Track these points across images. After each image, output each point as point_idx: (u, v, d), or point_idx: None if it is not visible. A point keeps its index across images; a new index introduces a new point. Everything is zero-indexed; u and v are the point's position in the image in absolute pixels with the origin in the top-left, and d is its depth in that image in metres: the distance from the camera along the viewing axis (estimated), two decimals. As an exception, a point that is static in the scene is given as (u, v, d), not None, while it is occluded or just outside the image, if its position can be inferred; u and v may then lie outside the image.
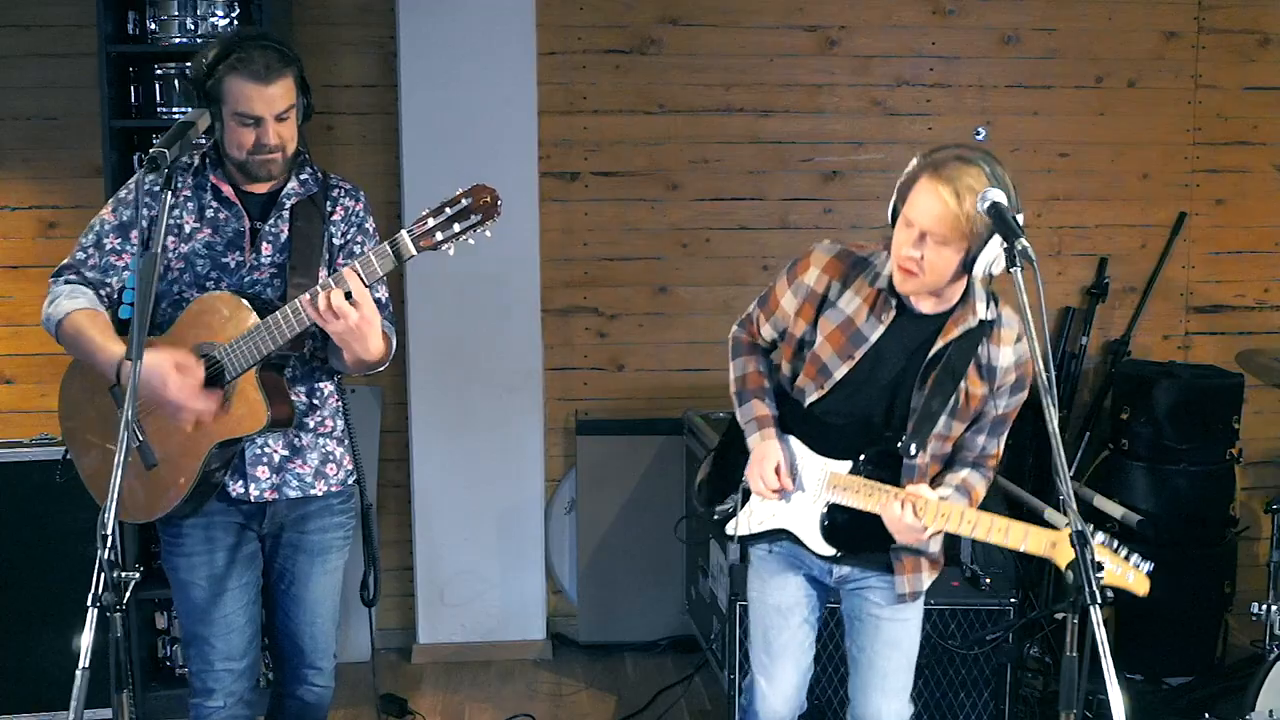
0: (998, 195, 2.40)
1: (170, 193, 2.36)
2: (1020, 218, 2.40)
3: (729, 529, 2.81)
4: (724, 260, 4.65)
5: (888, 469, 2.61)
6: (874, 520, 2.57)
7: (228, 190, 2.77)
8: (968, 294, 2.57)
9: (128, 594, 2.07)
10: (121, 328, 2.72)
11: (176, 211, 2.74)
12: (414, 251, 2.55)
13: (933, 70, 4.63)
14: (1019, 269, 2.27)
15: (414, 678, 4.42)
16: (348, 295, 2.57)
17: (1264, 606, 3.51)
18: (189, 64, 2.76)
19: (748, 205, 4.62)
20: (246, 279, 2.77)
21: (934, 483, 2.64)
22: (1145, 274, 4.77)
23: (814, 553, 2.69)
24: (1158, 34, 4.68)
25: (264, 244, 2.77)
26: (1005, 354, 2.59)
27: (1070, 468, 4.51)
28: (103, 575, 2.05)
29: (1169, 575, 4.16)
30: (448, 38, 4.28)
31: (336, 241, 2.84)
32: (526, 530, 4.55)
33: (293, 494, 2.82)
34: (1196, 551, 4.27)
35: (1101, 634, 2.03)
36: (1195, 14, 4.68)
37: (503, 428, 4.47)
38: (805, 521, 2.69)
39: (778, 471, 2.65)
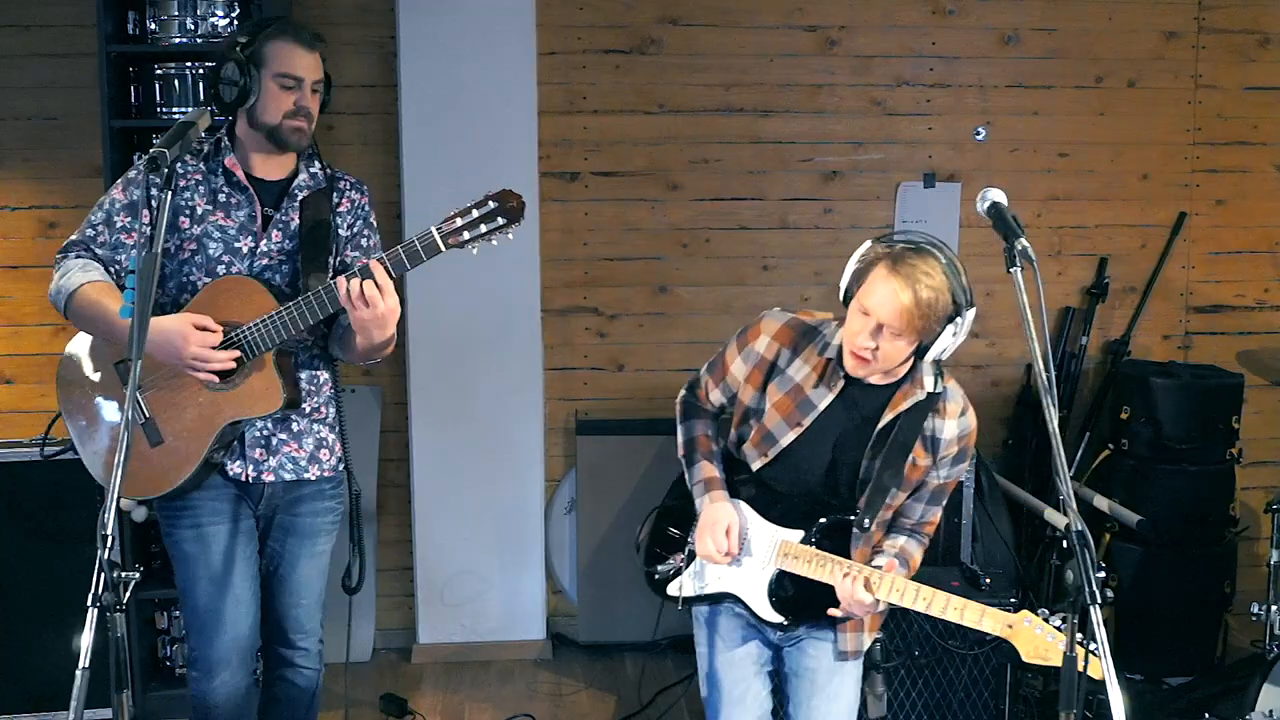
0: (997, 195, 2.41)
1: (170, 192, 2.37)
2: (970, 315, 2.49)
3: (672, 590, 2.82)
4: (724, 260, 4.65)
5: (837, 538, 2.65)
6: (820, 587, 2.61)
7: (240, 174, 2.83)
8: (915, 368, 2.61)
9: (128, 594, 2.07)
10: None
11: (188, 194, 2.80)
12: (442, 249, 2.62)
13: (933, 70, 4.63)
14: (1019, 269, 2.27)
15: (414, 678, 4.42)
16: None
17: (1264, 606, 3.51)
18: (223, 45, 2.82)
19: (748, 205, 4.62)
20: (257, 265, 2.83)
21: (873, 550, 2.69)
22: (1145, 274, 4.77)
23: (761, 619, 2.71)
24: (1158, 34, 4.68)
25: (275, 231, 2.84)
26: (950, 426, 2.63)
27: (1070, 468, 4.52)
28: (103, 575, 2.05)
29: (1169, 575, 4.22)
30: (448, 38, 4.28)
31: (343, 233, 2.92)
32: (526, 530, 4.55)
33: (288, 477, 2.90)
34: (1196, 551, 4.27)
35: (1101, 634, 2.03)
36: (1195, 14, 4.68)
37: (503, 428, 4.47)
38: (753, 588, 2.71)
39: (728, 534, 2.66)
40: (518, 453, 4.50)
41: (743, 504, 2.72)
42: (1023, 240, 2.28)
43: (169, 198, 2.36)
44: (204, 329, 2.67)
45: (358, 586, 3.07)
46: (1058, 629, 2.40)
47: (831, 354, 2.63)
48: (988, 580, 3.69)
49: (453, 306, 4.39)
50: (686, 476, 2.80)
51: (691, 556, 2.78)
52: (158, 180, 2.61)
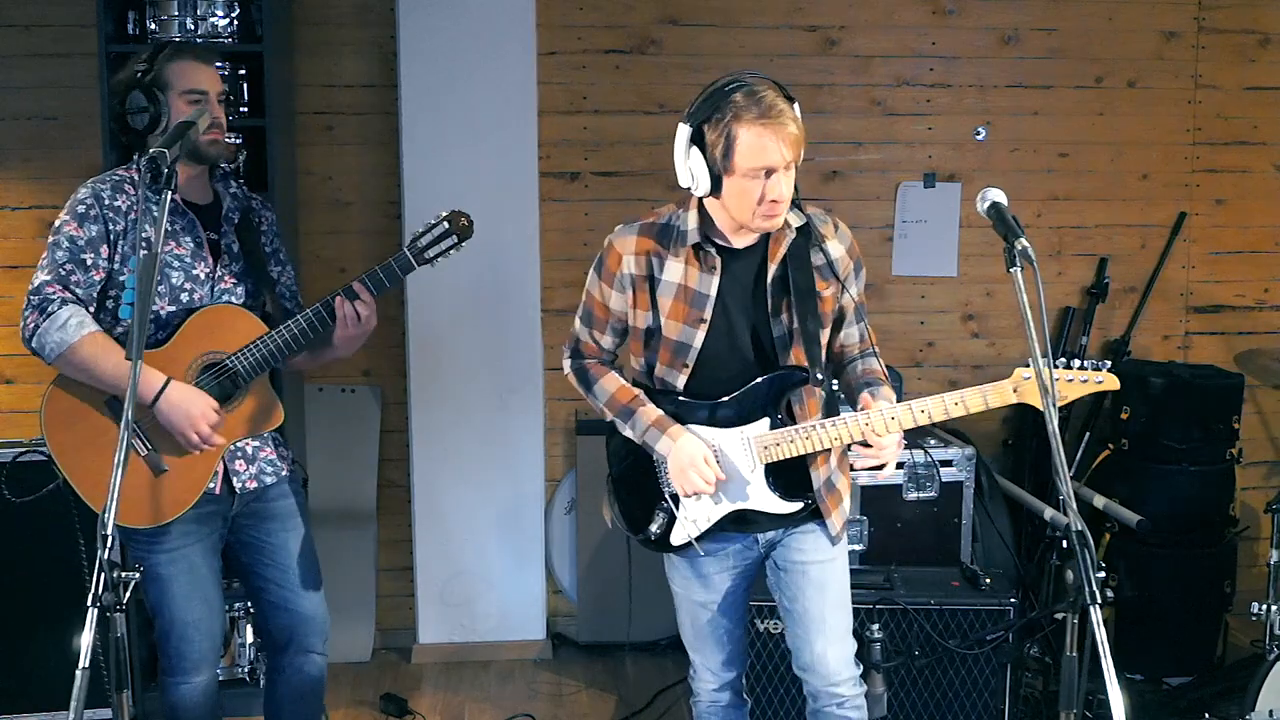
0: (997, 195, 2.42)
1: (170, 192, 2.38)
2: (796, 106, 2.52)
3: (676, 539, 2.74)
4: (724, 260, 4.64)
5: (799, 402, 2.66)
6: (804, 468, 2.64)
7: (178, 200, 2.88)
8: None
9: (128, 594, 2.08)
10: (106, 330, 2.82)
11: (140, 225, 2.81)
12: (415, 266, 2.89)
13: (933, 70, 4.63)
14: (1019, 269, 2.27)
15: (414, 678, 4.42)
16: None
17: (1264, 606, 3.51)
18: (118, 83, 2.88)
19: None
20: (218, 289, 2.91)
21: (845, 395, 2.72)
22: (1145, 274, 4.77)
23: (778, 514, 2.67)
24: (1158, 34, 4.68)
25: (224, 255, 2.93)
26: (834, 247, 2.65)
27: (1070, 468, 4.52)
28: (103, 575, 2.06)
29: (1169, 575, 4.22)
30: (448, 38, 4.28)
31: (268, 250, 3.04)
32: (526, 530, 4.55)
33: (269, 480, 2.99)
34: (1196, 551, 4.27)
35: (1101, 634, 2.03)
36: (1195, 14, 4.68)
37: (503, 427, 4.47)
38: (755, 493, 2.67)
39: (707, 463, 2.62)
40: (518, 453, 4.50)
41: (695, 428, 2.67)
42: (1023, 240, 2.28)
43: (168, 197, 2.37)
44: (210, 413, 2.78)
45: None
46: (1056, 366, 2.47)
47: (695, 238, 2.61)
48: (988, 580, 3.69)
49: (453, 306, 4.39)
50: (628, 432, 2.73)
51: (675, 500, 2.72)
52: (115, 199, 2.76)
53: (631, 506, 2.81)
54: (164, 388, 2.73)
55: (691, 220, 2.62)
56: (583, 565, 4.64)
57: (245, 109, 4.02)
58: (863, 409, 2.58)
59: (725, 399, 2.65)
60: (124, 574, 2.08)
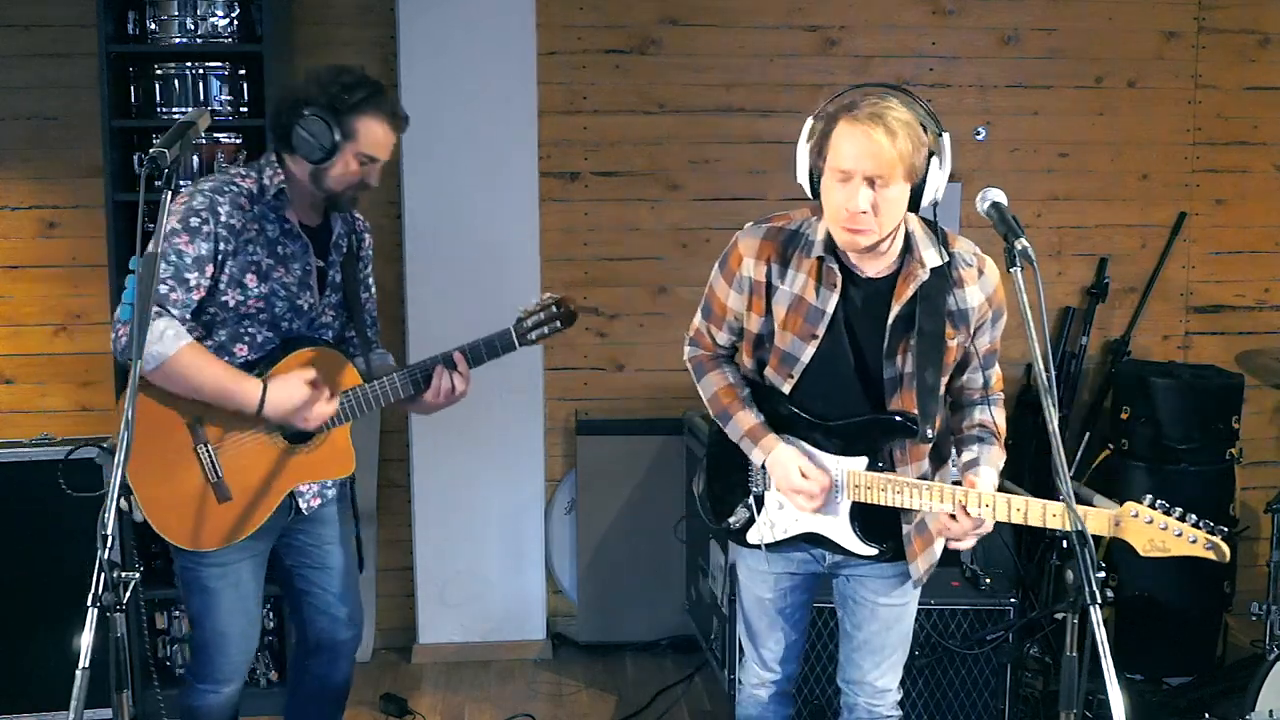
0: (997, 195, 2.41)
1: (171, 192, 2.37)
2: (947, 140, 2.40)
3: (752, 539, 2.69)
4: (724, 260, 4.64)
5: (901, 449, 2.55)
6: (893, 510, 2.54)
7: (295, 222, 2.80)
8: (910, 245, 2.49)
9: (128, 594, 2.08)
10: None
11: (251, 248, 2.73)
12: (516, 347, 2.91)
13: (933, 70, 4.63)
14: (1019, 269, 2.27)
15: (414, 678, 4.42)
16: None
17: (1264, 606, 3.51)
18: (306, 90, 2.73)
19: (748, 205, 4.62)
20: (317, 321, 2.87)
21: (954, 443, 2.61)
22: (1145, 274, 4.77)
23: (853, 554, 2.61)
24: (1158, 34, 4.68)
25: (328, 287, 2.88)
26: (973, 293, 2.53)
27: (1070, 468, 4.52)
28: (103, 575, 2.05)
29: (1169, 575, 4.22)
30: (448, 38, 4.28)
31: (362, 277, 2.98)
32: (526, 530, 4.55)
33: (330, 494, 2.96)
34: (1197, 551, 4.26)
35: (1101, 634, 2.03)
36: (1195, 14, 4.68)
37: (503, 428, 4.47)
38: (835, 525, 2.60)
39: (805, 475, 2.54)
40: (518, 453, 4.50)
41: (798, 442, 2.58)
42: (1023, 240, 2.28)
43: (168, 197, 2.36)
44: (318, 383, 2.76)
45: (361, 567, 3.14)
46: (1167, 514, 2.33)
47: (820, 251, 2.47)
48: (988, 580, 3.69)
49: (453, 306, 4.39)
50: (727, 432, 2.66)
51: (759, 502, 2.66)
52: (233, 218, 2.67)
53: (718, 495, 2.76)
54: (264, 394, 2.70)
55: (821, 231, 2.49)
56: (583, 565, 4.64)
57: (245, 109, 4.02)
58: (966, 485, 2.47)
59: (829, 424, 2.56)
60: (124, 574, 2.08)
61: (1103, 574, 2.10)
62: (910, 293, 2.48)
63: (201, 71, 3.95)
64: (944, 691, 3.61)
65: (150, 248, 2.30)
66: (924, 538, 2.63)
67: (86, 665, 1.97)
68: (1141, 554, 2.34)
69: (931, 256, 2.50)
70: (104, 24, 3.88)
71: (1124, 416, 4.38)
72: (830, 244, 2.48)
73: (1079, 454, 4.62)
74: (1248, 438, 4.51)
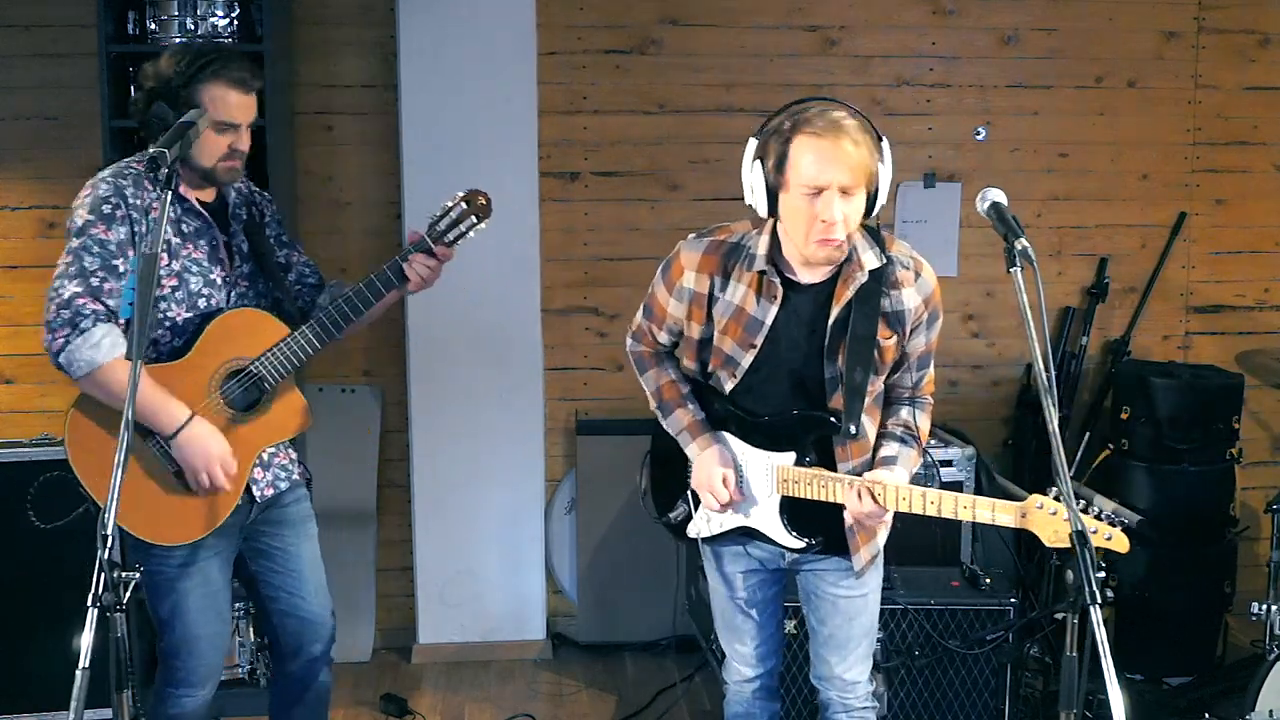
0: (997, 195, 2.42)
1: (170, 192, 2.36)
2: (884, 141, 2.45)
3: (690, 532, 2.80)
4: (724, 260, 4.64)
5: (829, 451, 2.61)
6: (830, 504, 2.58)
7: (195, 202, 2.80)
8: (850, 249, 2.52)
9: (128, 594, 2.08)
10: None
11: (157, 228, 2.73)
12: (434, 248, 2.88)
13: (933, 70, 4.63)
14: (1019, 269, 2.27)
15: (414, 678, 4.42)
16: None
17: (1264, 606, 3.51)
18: (148, 78, 2.74)
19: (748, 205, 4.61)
20: (236, 292, 2.85)
21: (877, 440, 2.65)
22: (1145, 274, 4.77)
23: (783, 546, 2.67)
24: (1158, 34, 4.68)
25: (237, 256, 2.86)
26: (909, 295, 2.56)
27: (1070, 468, 4.51)
28: (103, 575, 2.05)
29: (1169, 575, 4.22)
30: (448, 38, 4.28)
31: (272, 239, 2.97)
32: (526, 530, 4.55)
33: (283, 485, 2.94)
34: (1196, 551, 4.27)
35: (1101, 634, 2.03)
36: (1195, 14, 4.68)
37: (503, 428, 4.47)
38: (765, 518, 2.68)
39: (725, 483, 2.64)
40: (518, 453, 4.50)
41: (729, 438, 2.68)
42: (1023, 240, 2.28)
43: (168, 197, 2.35)
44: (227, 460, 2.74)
45: None
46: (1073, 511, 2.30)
47: (762, 265, 2.52)
48: (988, 580, 3.69)
49: (453, 306, 4.39)
50: (665, 426, 2.77)
51: (695, 498, 2.75)
52: (136, 197, 2.66)
53: (660, 487, 2.87)
54: (186, 422, 2.68)
55: (763, 245, 2.54)
56: (583, 565, 4.64)
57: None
58: (872, 479, 2.52)
59: (760, 420, 2.64)
60: (124, 574, 2.08)
61: (1103, 574, 2.10)
62: (849, 295, 2.53)
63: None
64: (944, 691, 3.61)
65: (149, 248, 2.30)
66: (867, 530, 2.68)
67: (86, 665, 1.98)
68: (1048, 544, 2.34)
69: (870, 259, 2.54)
70: (104, 24, 3.88)
71: (1124, 416, 4.38)
72: (772, 257, 2.54)
73: (1079, 454, 4.62)
74: (1248, 438, 4.51)
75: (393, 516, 4.61)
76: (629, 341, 2.86)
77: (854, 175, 2.39)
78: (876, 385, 2.62)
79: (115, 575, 2.06)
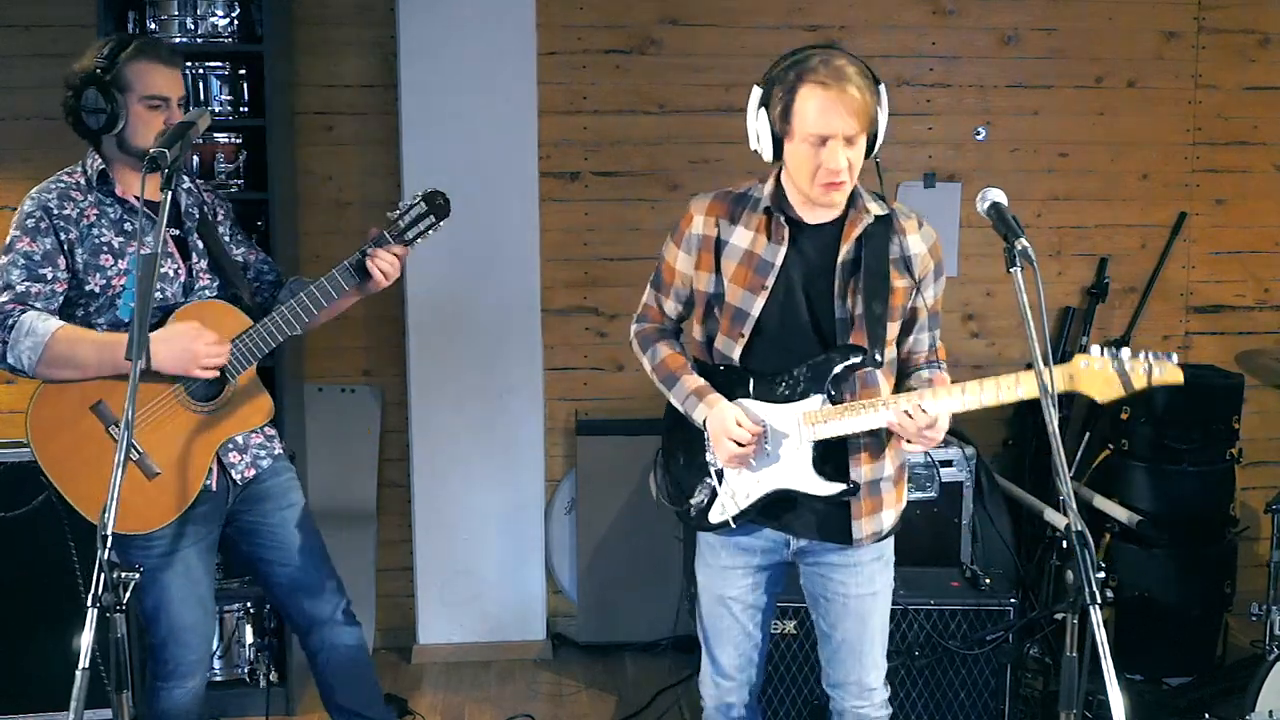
0: (997, 195, 2.42)
1: (170, 193, 2.37)
2: (883, 87, 2.50)
3: (714, 517, 2.69)
4: (724, 260, 4.64)
5: (851, 389, 2.60)
6: (850, 445, 2.59)
7: (134, 200, 2.82)
8: (855, 193, 2.57)
9: (128, 594, 2.08)
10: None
11: (96, 231, 2.77)
12: (394, 243, 2.89)
13: (933, 70, 4.63)
14: (1019, 269, 2.27)
15: (414, 678, 4.42)
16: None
17: (1264, 606, 3.51)
18: (73, 75, 2.77)
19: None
20: (195, 285, 2.88)
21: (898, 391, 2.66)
22: (1145, 274, 4.77)
23: (819, 496, 2.60)
24: (1158, 34, 4.68)
25: (192, 252, 2.89)
26: (915, 241, 2.61)
27: (1070, 468, 4.52)
28: (103, 575, 2.06)
29: (1169, 575, 4.22)
30: (448, 38, 4.28)
31: (225, 238, 3.00)
32: (526, 530, 4.55)
33: (264, 464, 2.96)
34: (1196, 551, 4.27)
35: (1101, 634, 2.03)
36: (1195, 14, 4.68)
37: (503, 428, 4.47)
38: (798, 472, 2.60)
39: (740, 425, 2.56)
40: (518, 453, 4.50)
41: (745, 401, 2.62)
42: (1023, 240, 2.28)
43: (169, 198, 2.36)
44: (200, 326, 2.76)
45: None
46: (1115, 357, 2.40)
47: (767, 202, 2.57)
48: (988, 580, 3.69)
49: (453, 306, 4.39)
50: (671, 398, 2.70)
51: (720, 475, 2.67)
52: (62, 209, 2.70)
53: (676, 478, 2.77)
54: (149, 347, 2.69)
55: (767, 189, 2.59)
56: (583, 565, 4.64)
57: (245, 109, 4.02)
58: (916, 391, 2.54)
59: (784, 374, 2.60)
60: (124, 574, 2.08)
61: (1103, 574, 2.10)
62: (856, 234, 2.57)
63: (201, 71, 3.95)
64: (944, 691, 3.61)
65: (148, 248, 2.30)
66: (874, 500, 2.65)
67: (86, 665, 1.98)
68: (1101, 402, 2.42)
69: (877, 206, 2.59)
70: (104, 24, 3.88)
71: (1124, 416, 4.37)
72: (778, 199, 2.58)
73: (1079, 454, 4.61)
74: (1248, 438, 4.51)
75: (393, 516, 4.61)
76: (634, 326, 2.84)
77: (858, 123, 2.43)
78: (892, 333, 2.61)
79: (115, 575, 2.07)
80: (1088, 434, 4.65)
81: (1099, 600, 2.07)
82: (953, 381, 2.58)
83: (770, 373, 2.61)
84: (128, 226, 2.80)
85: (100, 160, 2.82)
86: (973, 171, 4.66)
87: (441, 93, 4.29)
